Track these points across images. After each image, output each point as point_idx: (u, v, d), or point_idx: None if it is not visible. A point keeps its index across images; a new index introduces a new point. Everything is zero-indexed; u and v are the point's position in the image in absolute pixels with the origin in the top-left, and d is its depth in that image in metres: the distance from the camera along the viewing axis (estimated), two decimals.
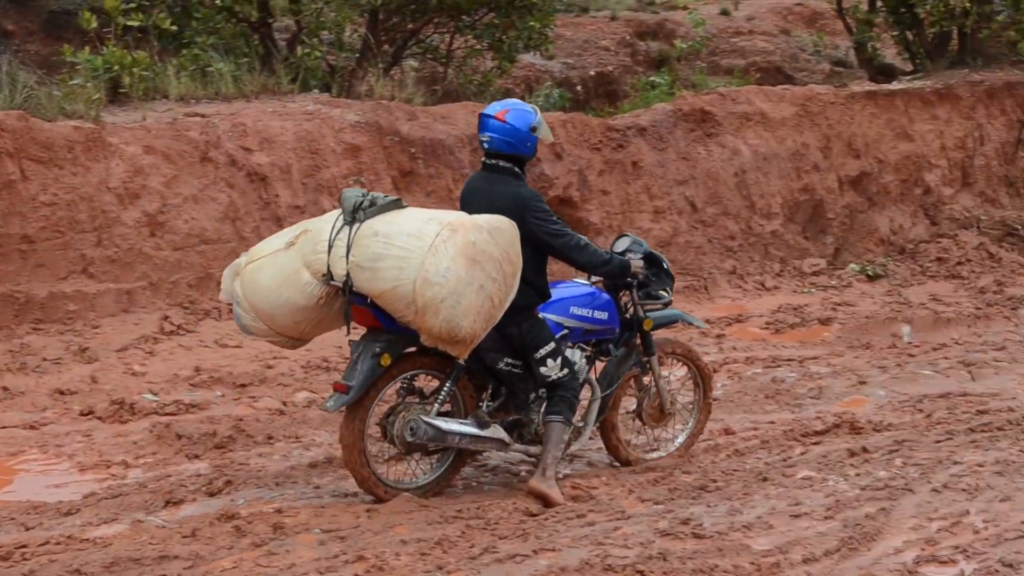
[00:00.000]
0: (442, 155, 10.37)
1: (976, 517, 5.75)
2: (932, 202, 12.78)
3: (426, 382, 6.21)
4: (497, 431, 6.05)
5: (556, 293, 6.32)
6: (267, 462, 6.58)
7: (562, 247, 6.10)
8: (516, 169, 6.11)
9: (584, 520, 5.65)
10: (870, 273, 11.68)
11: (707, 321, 10.03)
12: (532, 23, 12.23)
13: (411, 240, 5.53)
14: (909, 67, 14.98)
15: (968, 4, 13.54)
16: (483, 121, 6.08)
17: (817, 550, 5.32)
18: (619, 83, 15.31)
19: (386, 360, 5.77)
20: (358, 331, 5.98)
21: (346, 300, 5.79)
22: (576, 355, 6.32)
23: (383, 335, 5.81)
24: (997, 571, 5.16)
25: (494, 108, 6.13)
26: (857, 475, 6.47)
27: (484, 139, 6.06)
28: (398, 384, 6.03)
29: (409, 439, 5.83)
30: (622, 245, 6.60)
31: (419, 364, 6.00)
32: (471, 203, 6.11)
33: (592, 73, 15.31)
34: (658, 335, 6.74)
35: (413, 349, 5.91)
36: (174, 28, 10.32)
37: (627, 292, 6.50)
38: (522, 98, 12.91)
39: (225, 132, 9.47)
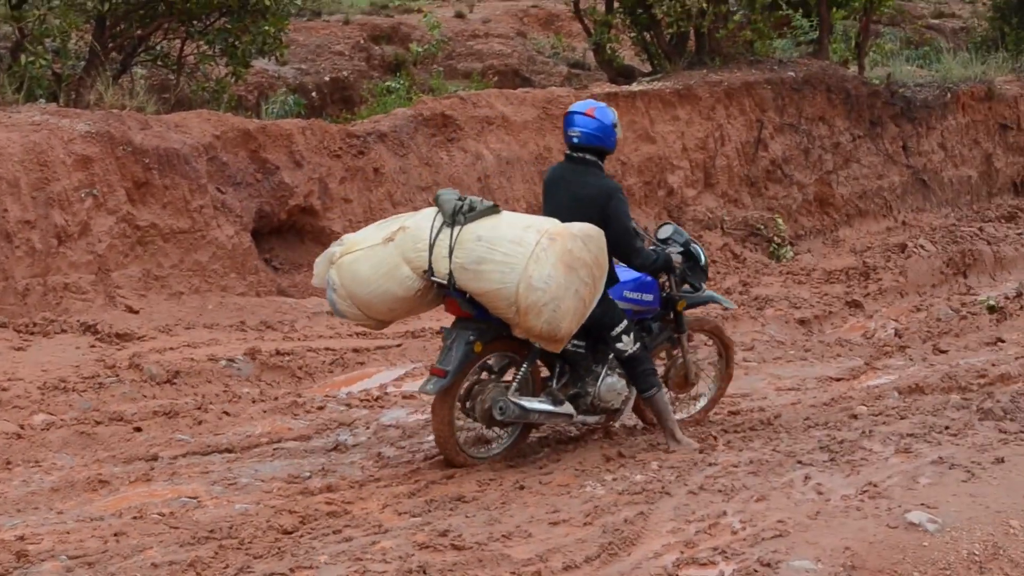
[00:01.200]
0: (178, 165, 10.97)
1: (733, 518, 6.20)
2: (676, 203, 13.96)
3: (497, 361, 7.56)
4: (567, 407, 7.53)
5: (617, 275, 7.79)
6: (6, 488, 6.89)
7: (625, 245, 7.51)
8: (599, 162, 7.56)
9: (341, 536, 6.10)
10: None
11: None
12: (266, 28, 12.78)
13: (513, 247, 6.89)
14: (648, 68, 16.28)
15: (704, 4, 14.75)
16: (571, 118, 7.52)
17: (577, 557, 5.76)
18: (355, 88, 16.33)
19: (479, 347, 7.23)
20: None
21: (444, 293, 7.18)
22: None
23: (473, 324, 7.22)
24: (756, 571, 5.56)
25: (582, 106, 7.61)
26: (614, 480, 6.95)
27: (573, 134, 7.47)
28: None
29: (499, 417, 7.30)
30: (665, 232, 8.25)
31: (499, 348, 7.42)
32: (556, 192, 7.60)
33: (327, 79, 16.37)
34: (691, 312, 8.27)
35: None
36: None
37: (667, 276, 7.98)
38: (257, 105, 14.22)
39: None
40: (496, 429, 7.63)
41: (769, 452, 7.45)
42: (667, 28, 15.50)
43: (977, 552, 5.86)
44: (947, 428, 7.91)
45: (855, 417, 8.43)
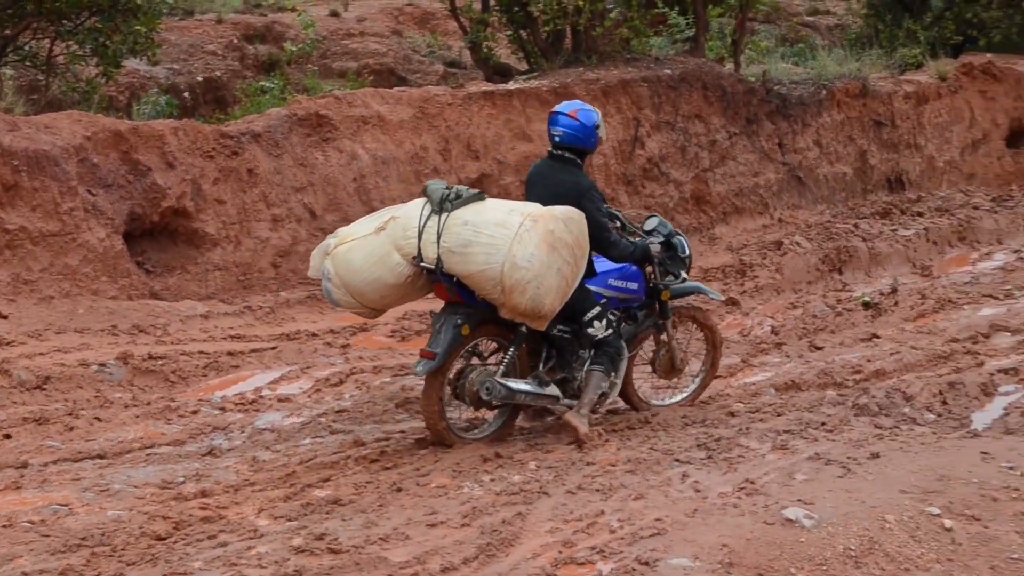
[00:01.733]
0: (47, 167, 10.85)
1: (611, 517, 6.32)
2: None
3: (486, 346, 8.04)
4: (553, 389, 8.00)
5: (597, 267, 8.20)
6: None
7: (599, 238, 7.99)
8: (578, 160, 8.12)
9: (216, 541, 6.14)
10: None
11: (331, 331, 11.14)
12: (138, 27, 12.77)
13: (498, 229, 7.41)
14: (525, 66, 16.42)
15: (581, 2, 14.88)
16: (555, 118, 8.08)
17: (455, 558, 5.85)
18: (228, 88, 16.32)
19: (466, 330, 7.70)
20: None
21: (433, 279, 7.64)
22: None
23: (461, 308, 7.72)
24: (634, 570, 5.69)
25: (566, 107, 8.15)
26: (492, 481, 7.10)
27: (556, 133, 8.03)
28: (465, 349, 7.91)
29: (485, 397, 7.75)
30: (650, 224, 8.72)
31: (487, 332, 7.92)
32: (535, 186, 8.13)
33: (200, 79, 16.30)
34: (680, 302, 8.80)
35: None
36: None
37: (651, 266, 8.51)
38: (128, 106, 14.09)
39: None
40: (485, 412, 8.12)
41: (647, 451, 7.58)
42: (543, 26, 15.70)
43: (853, 547, 5.99)
44: (823, 424, 8.16)
45: (732, 415, 8.62)
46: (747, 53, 19.20)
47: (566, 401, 8.12)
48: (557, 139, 8.05)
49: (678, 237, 8.76)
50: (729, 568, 5.73)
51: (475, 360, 8.02)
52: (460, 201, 7.56)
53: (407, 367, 10.18)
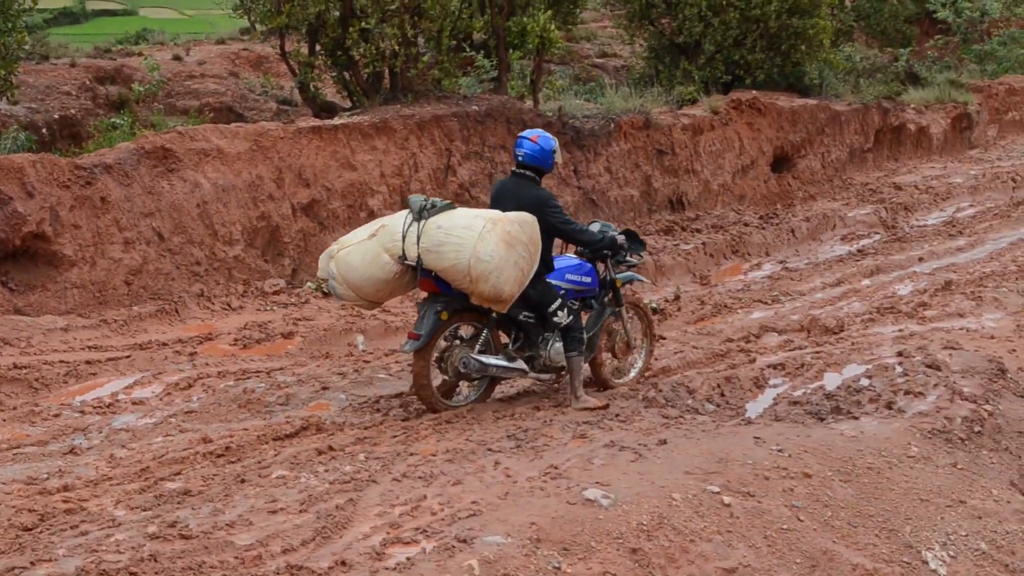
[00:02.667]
0: None
1: (433, 501, 6.55)
2: None
3: (466, 331, 9.14)
4: (520, 363, 9.26)
5: (556, 264, 9.35)
6: None
7: (569, 232, 9.34)
8: (537, 178, 9.27)
9: (78, 531, 6.26)
10: (325, 290, 12.70)
11: (179, 341, 11.41)
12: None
13: (464, 231, 8.60)
14: (348, 104, 16.55)
15: (397, 47, 15.21)
16: (520, 141, 9.28)
17: (294, 541, 6.01)
18: (82, 125, 16.43)
19: (444, 315, 8.93)
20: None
21: (416, 274, 8.83)
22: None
23: (441, 298, 8.92)
24: (454, 547, 5.88)
25: (530, 133, 9.35)
26: (326, 471, 7.28)
27: (520, 153, 9.24)
28: (447, 332, 9.03)
29: (462, 370, 9.00)
30: (596, 227, 9.77)
31: (464, 318, 9.11)
32: (503, 199, 9.22)
33: (56, 116, 16.46)
34: (622, 289, 9.80)
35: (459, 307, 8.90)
36: None
37: (603, 262, 9.71)
38: None
39: None
40: (464, 383, 9.34)
41: (463, 441, 7.94)
42: (364, 68, 15.92)
43: (645, 522, 6.39)
44: (617, 416, 8.67)
45: (538, 408, 9.06)
46: (544, 91, 19.71)
47: (534, 375, 9.48)
48: (520, 159, 9.28)
49: (628, 228, 10.40)
50: (537, 543, 6.00)
51: (456, 341, 9.20)
52: (435, 210, 8.79)
53: (249, 372, 10.55)
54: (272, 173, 13.67)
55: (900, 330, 11.74)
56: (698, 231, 17.52)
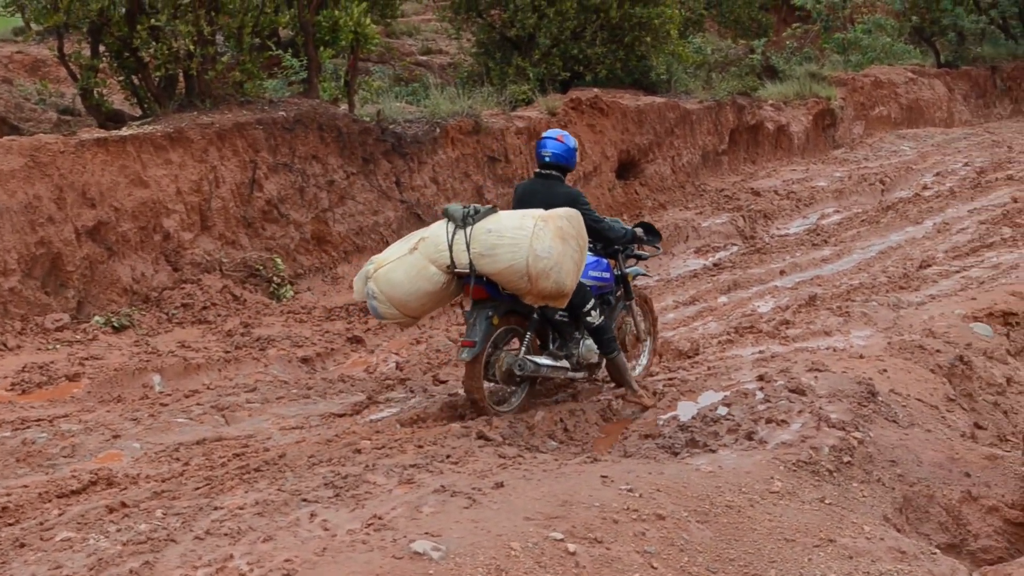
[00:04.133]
0: None
1: (240, 560, 6.54)
2: (173, 248, 14.22)
3: (500, 336, 10.18)
4: (564, 362, 10.52)
5: None
6: None
7: (601, 229, 10.63)
8: (563, 176, 10.57)
9: None
10: (116, 324, 13.09)
11: None
12: None
13: (517, 232, 9.58)
14: (138, 112, 16.36)
15: (192, 47, 15.10)
16: (543, 142, 10.58)
17: None
18: None
19: (496, 320, 9.98)
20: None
21: (461, 282, 9.88)
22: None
23: (489, 303, 9.96)
24: None
25: (553, 133, 10.70)
26: (118, 531, 7.23)
27: (546, 154, 10.52)
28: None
29: (518, 373, 10.17)
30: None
31: (509, 321, 10.19)
32: (530, 201, 10.29)
33: None
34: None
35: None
36: None
37: (614, 258, 11.02)
38: None
39: None
40: (511, 387, 10.39)
41: (275, 492, 7.92)
42: (155, 71, 15.77)
43: None
44: (448, 457, 8.75)
45: (359, 452, 9.07)
46: (361, 93, 19.61)
47: (571, 374, 10.70)
48: (547, 159, 10.53)
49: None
50: None
51: (491, 349, 10.11)
52: (479, 215, 9.76)
53: (28, 420, 10.46)
54: (52, 193, 13.43)
55: (761, 351, 12.14)
56: None
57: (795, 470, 8.50)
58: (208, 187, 14.93)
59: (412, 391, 11.62)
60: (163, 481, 8.54)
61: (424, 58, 27.33)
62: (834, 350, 11.83)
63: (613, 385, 11.00)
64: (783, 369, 10.65)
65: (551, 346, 10.59)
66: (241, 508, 7.55)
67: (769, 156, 25.39)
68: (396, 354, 13.52)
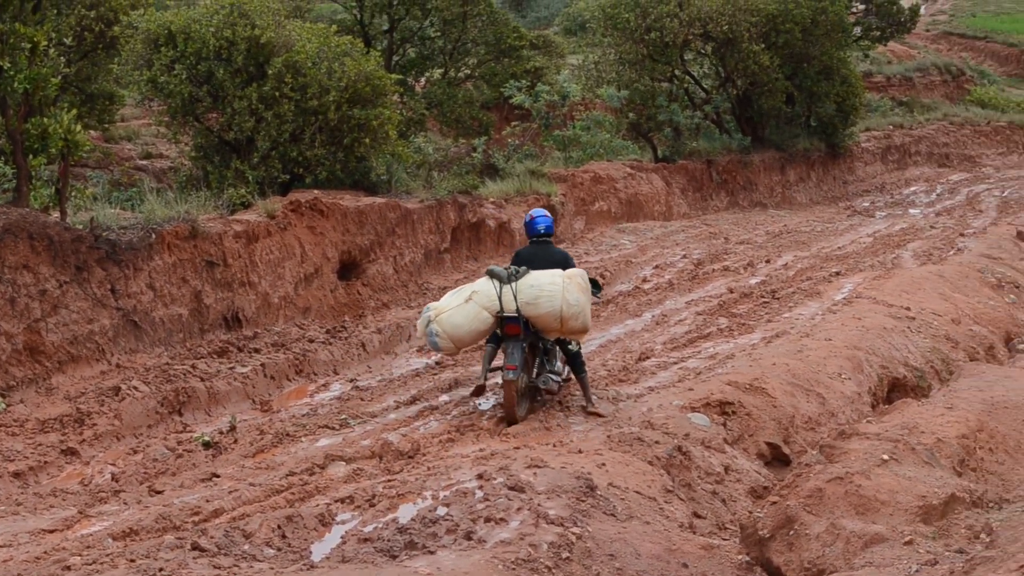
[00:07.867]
0: None
1: None
2: None
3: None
4: (560, 378, 14.64)
5: None
6: None
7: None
8: (551, 241, 14.86)
9: None
10: None
11: None
12: None
13: (551, 287, 13.66)
14: None
15: None
16: (536, 221, 14.96)
17: None
18: None
19: (528, 349, 13.88)
20: None
21: (508, 322, 13.82)
22: None
23: (521, 336, 13.84)
24: None
25: (538, 212, 15.10)
26: None
27: (541, 227, 14.87)
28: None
29: (543, 387, 14.29)
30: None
31: (532, 350, 14.12)
32: (534, 261, 14.32)
33: None
34: None
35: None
36: None
37: None
38: None
39: None
40: (520, 399, 13.81)
41: None
42: None
43: None
44: (161, 570, 8.71)
45: (68, 568, 9.03)
46: (75, 200, 19.41)
47: (560, 385, 14.82)
48: (543, 230, 14.90)
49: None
50: None
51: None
52: (520, 274, 13.87)
53: None
54: None
55: (481, 449, 12.44)
56: (257, 351, 17.81)
57: (514, 568, 8.69)
58: None
59: (126, 503, 11.53)
60: None
61: (144, 162, 27.30)
62: (554, 445, 12.28)
63: None
64: (502, 467, 10.98)
65: (546, 365, 14.43)
66: None
67: (491, 253, 26.15)
68: (112, 464, 13.43)
